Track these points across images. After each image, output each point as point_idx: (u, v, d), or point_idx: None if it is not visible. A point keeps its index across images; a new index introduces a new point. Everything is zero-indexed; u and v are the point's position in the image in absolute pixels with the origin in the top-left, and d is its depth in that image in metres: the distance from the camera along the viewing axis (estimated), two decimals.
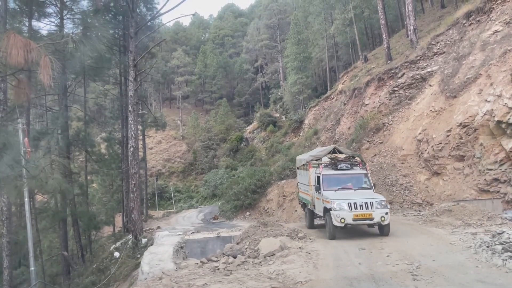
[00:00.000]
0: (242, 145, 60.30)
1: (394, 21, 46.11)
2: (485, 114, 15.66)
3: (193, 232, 19.16)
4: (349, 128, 28.58)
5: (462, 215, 12.65)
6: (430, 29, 28.24)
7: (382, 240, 11.32)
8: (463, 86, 18.34)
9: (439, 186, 17.52)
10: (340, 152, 14.90)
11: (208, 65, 78.26)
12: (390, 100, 24.85)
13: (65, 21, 22.05)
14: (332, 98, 39.68)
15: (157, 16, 30.47)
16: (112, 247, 23.30)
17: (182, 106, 74.89)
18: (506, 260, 7.63)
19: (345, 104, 32.12)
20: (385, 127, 23.72)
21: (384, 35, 29.97)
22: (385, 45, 29.48)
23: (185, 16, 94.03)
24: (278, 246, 10.47)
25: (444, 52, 22.47)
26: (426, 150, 18.85)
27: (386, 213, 11.65)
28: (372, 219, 11.66)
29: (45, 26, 34.43)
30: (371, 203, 11.74)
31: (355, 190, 12.85)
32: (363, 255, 9.64)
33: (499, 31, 18.01)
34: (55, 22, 22.03)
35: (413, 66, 23.96)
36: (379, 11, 31.45)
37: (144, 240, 19.55)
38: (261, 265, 9.48)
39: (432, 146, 18.36)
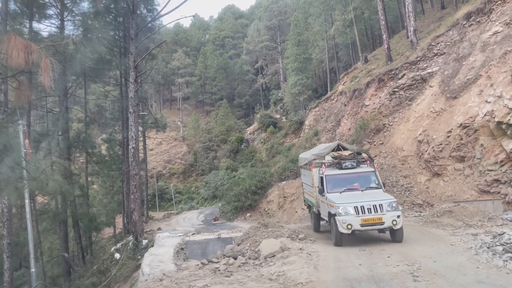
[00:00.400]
0: (242, 146, 60.31)
1: (394, 22, 46.15)
2: (485, 115, 15.65)
3: (193, 234, 19.11)
4: (349, 129, 28.58)
5: (462, 216, 12.62)
6: (430, 30, 28.27)
7: (383, 241, 11.28)
8: (463, 87, 18.33)
9: (440, 187, 17.50)
10: (345, 149, 13.90)
11: (209, 66, 78.32)
12: (390, 101, 24.85)
13: (65, 22, 22.07)
14: (333, 99, 39.71)
15: (158, 17, 30.51)
16: (112, 249, 23.29)
17: (183, 107, 74.91)
18: (506, 261, 7.62)
19: (345, 105, 32.13)
20: (386, 128, 23.73)
21: (384, 36, 30.00)
22: (385, 46, 29.50)
23: (186, 17, 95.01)
24: (278, 247, 10.45)
25: (444, 53, 22.48)
26: (426, 151, 18.85)
27: (398, 216, 10.52)
28: (382, 223, 10.54)
29: (45, 28, 34.62)
30: (380, 205, 10.63)
31: (362, 190, 11.76)
32: (363, 256, 9.63)
33: (499, 32, 18.02)
34: (56, 23, 22.08)
35: (414, 67, 23.97)
36: (379, 12, 31.49)
37: (144, 242, 19.55)
38: (262, 266, 9.47)
39: (433, 147, 18.36)
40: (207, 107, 79.32)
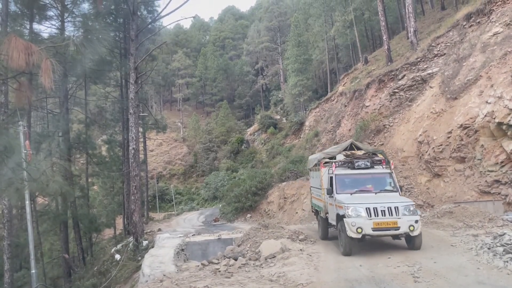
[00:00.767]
0: (242, 147, 60.34)
1: (395, 23, 46.18)
2: (485, 115, 15.64)
3: (194, 234, 19.13)
4: (349, 130, 28.58)
5: (463, 217, 12.62)
6: (430, 31, 28.29)
7: (383, 241, 11.20)
8: (463, 87, 18.33)
9: (440, 188, 17.49)
10: (359, 148, 12.82)
11: (209, 67, 78.44)
12: (390, 102, 24.86)
13: (66, 24, 22.12)
14: (333, 100, 39.73)
15: (158, 18, 30.60)
16: (113, 250, 23.33)
17: (183, 108, 74.98)
18: (507, 262, 7.62)
19: (345, 106, 32.14)
20: (386, 129, 23.73)
21: (384, 37, 30.02)
22: (386, 47, 29.52)
23: (186, 18, 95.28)
24: (279, 248, 10.45)
25: (445, 53, 22.49)
26: (426, 152, 18.84)
27: (416, 221, 9.43)
28: (397, 228, 9.37)
29: (46, 29, 34.50)
30: (396, 208, 9.51)
31: (376, 193, 10.63)
32: (364, 257, 9.61)
33: (499, 33, 18.02)
34: (56, 25, 22.10)
35: (414, 68, 23.98)
36: (379, 13, 31.52)
37: (145, 243, 19.56)
38: (262, 267, 9.47)
39: (433, 147, 18.35)
40: (207, 108, 79.40)
